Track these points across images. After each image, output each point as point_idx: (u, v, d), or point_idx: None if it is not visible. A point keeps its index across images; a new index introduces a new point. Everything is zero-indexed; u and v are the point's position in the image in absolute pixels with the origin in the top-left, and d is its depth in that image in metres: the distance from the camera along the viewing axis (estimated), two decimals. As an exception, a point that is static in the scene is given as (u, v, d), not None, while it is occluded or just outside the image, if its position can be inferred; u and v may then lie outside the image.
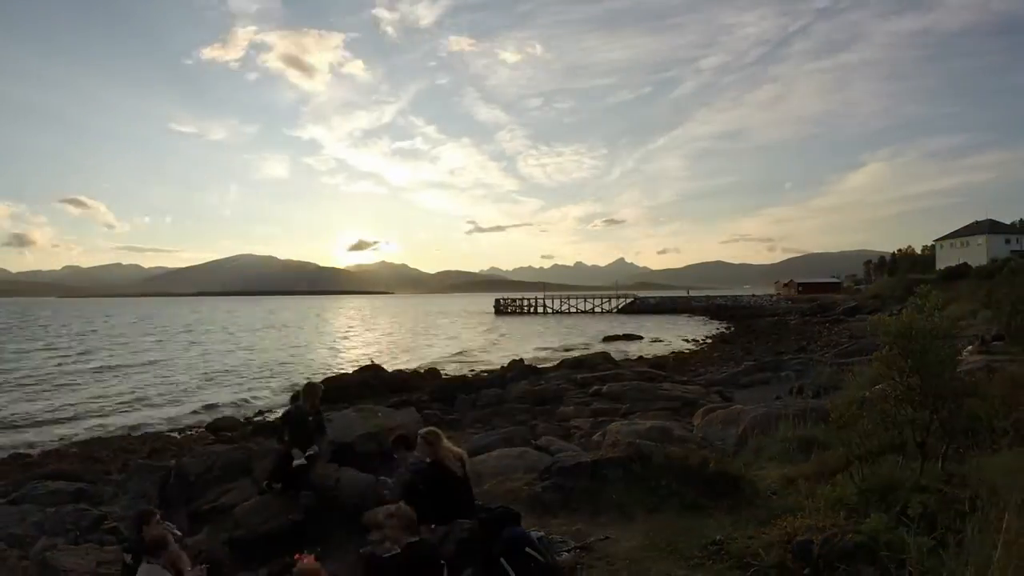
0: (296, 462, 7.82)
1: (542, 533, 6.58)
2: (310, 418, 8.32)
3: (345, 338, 74.35)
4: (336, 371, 37.68)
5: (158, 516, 5.98)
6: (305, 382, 8.39)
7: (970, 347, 21.03)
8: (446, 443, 7.28)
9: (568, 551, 6.37)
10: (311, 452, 7.98)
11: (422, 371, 35.15)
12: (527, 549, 5.92)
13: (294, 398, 8.47)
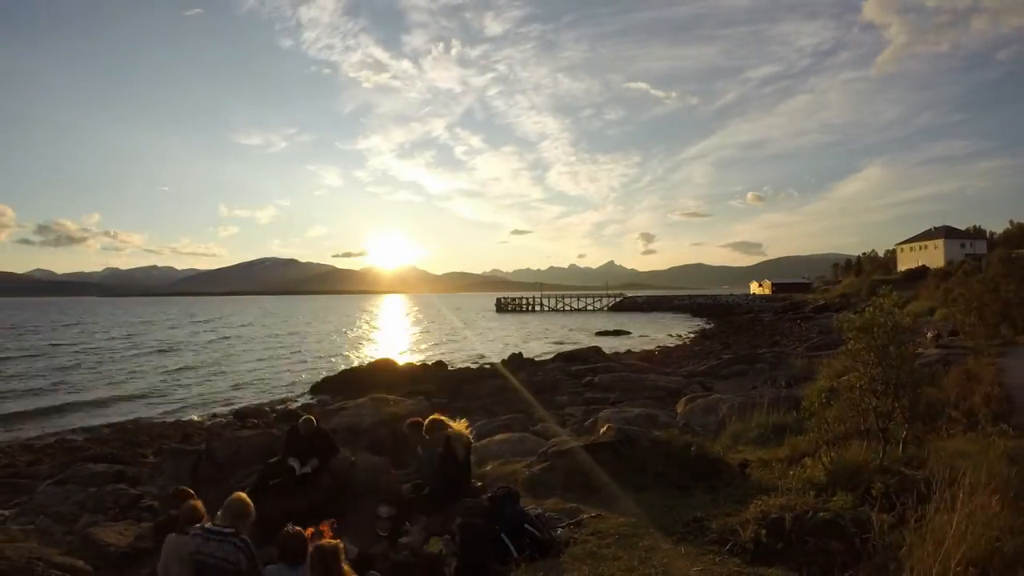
0: (292, 465, 7.85)
1: (539, 511, 6.58)
2: (307, 441, 8.26)
3: (360, 335, 74.10)
4: (354, 363, 37.57)
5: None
6: (303, 417, 8.48)
7: (927, 336, 21.06)
8: (453, 429, 7.28)
9: (563, 527, 6.37)
10: (307, 469, 7.96)
11: (430, 363, 35.11)
12: (526, 525, 5.93)
13: (291, 429, 8.49)
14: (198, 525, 5.07)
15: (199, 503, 5.52)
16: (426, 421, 7.54)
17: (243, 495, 5.22)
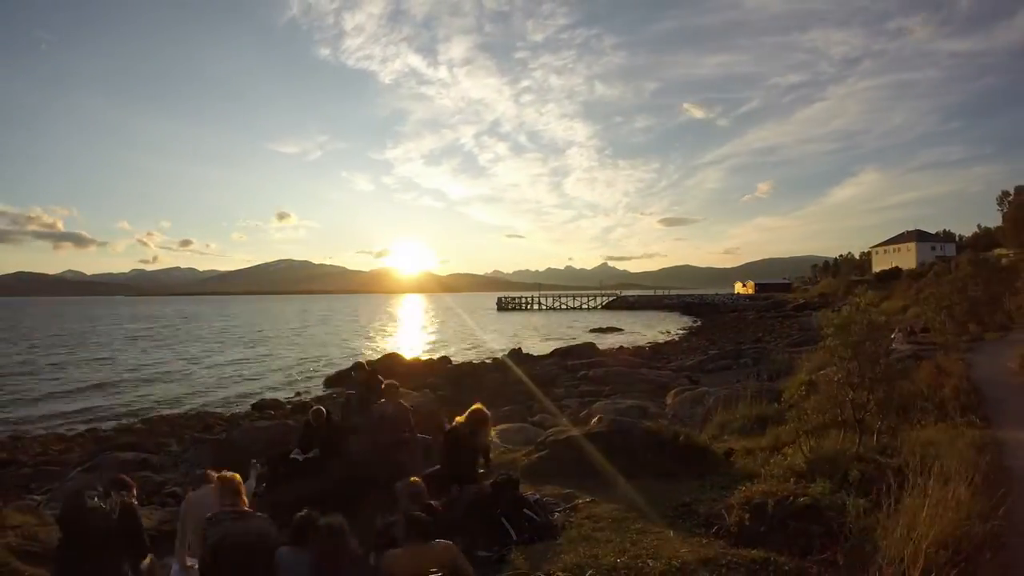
0: (295, 456, 7.84)
1: (537, 496, 6.58)
2: (318, 431, 8.22)
3: (374, 332, 74.02)
4: (362, 358, 37.51)
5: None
6: (314, 408, 8.46)
7: (894, 335, 21.06)
8: (458, 419, 7.27)
9: (559, 511, 6.36)
10: (297, 456, 7.94)
11: (435, 358, 35.09)
12: (524, 510, 5.93)
13: (306, 422, 8.44)
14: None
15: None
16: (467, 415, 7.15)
17: (229, 473, 4.95)
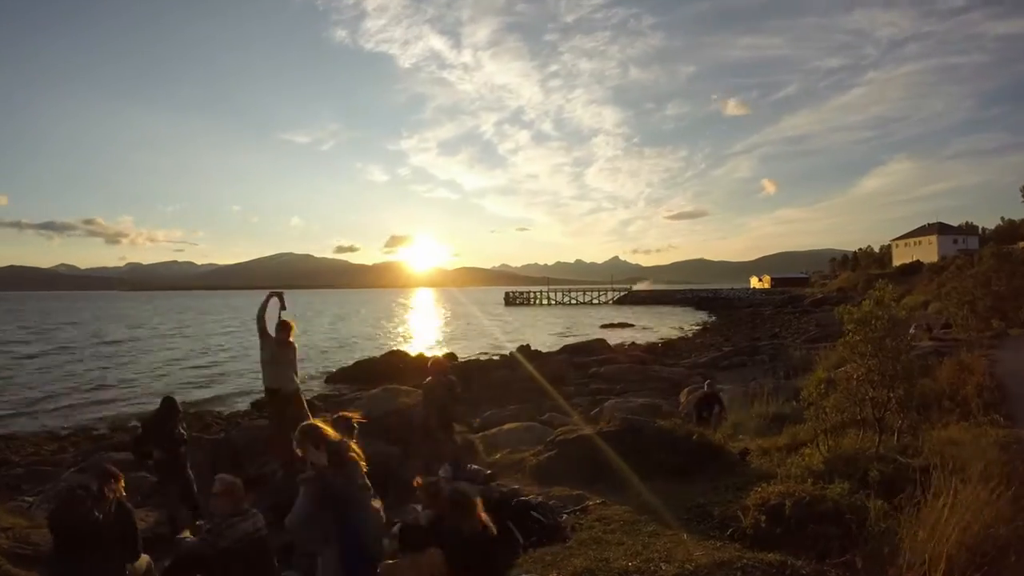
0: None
1: (541, 498, 6.58)
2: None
3: (372, 327, 74.07)
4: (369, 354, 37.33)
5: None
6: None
7: (912, 330, 20.99)
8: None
9: (568, 513, 6.38)
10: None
11: (439, 355, 34.83)
12: (532, 513, 5.96)
13: None
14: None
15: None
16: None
17: (228, 476, 5.04)
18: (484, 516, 4.44)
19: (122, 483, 4.83)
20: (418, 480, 5.06)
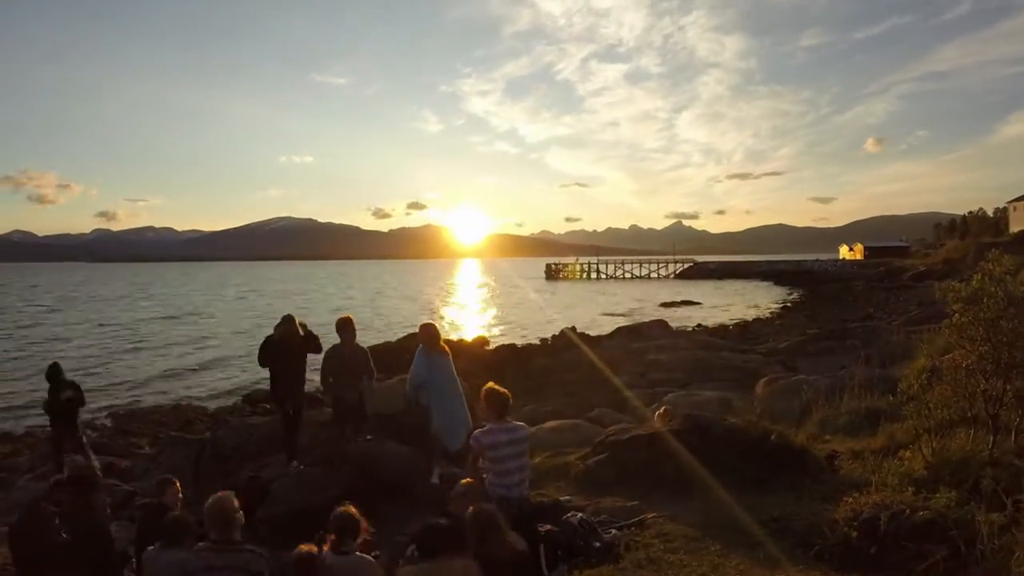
0: None
1: (581, 515, 6.42)
2: None
3: (380, 304, 74.21)
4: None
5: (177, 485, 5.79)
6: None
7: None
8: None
9: (617, 528, 6.30)
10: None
11: (469, 339, 34.19)
12: (579, 526, 5.88)
13: None
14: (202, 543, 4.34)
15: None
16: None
17: (226, 494, 4.48)
18: (512, 539, 4.37)
19: (102, 494, 4.76)
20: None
